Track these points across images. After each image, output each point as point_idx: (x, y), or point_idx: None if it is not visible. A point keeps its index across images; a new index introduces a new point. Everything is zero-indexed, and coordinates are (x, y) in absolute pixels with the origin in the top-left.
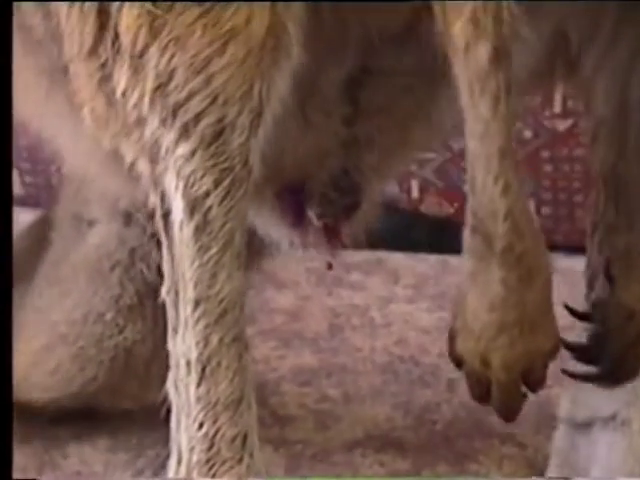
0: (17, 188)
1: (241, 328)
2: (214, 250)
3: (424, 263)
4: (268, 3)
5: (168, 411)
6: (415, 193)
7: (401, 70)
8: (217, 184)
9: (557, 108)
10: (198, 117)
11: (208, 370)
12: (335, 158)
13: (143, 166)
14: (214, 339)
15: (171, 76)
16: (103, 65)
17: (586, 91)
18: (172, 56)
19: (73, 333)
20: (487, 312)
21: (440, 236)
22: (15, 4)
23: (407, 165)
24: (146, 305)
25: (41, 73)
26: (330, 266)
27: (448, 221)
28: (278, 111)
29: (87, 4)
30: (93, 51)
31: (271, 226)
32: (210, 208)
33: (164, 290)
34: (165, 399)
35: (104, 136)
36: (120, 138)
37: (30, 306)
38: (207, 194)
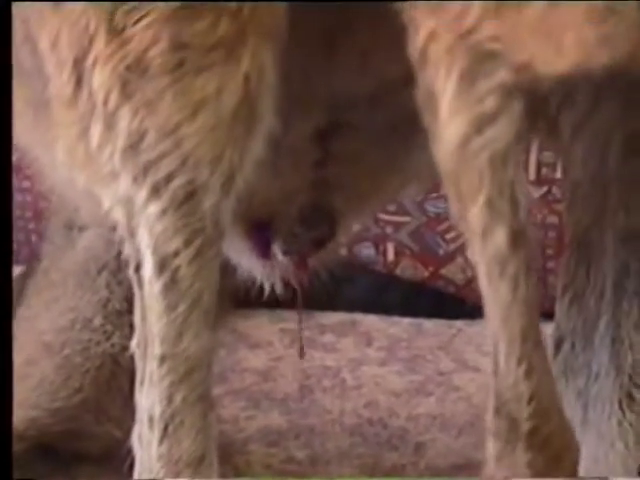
0: None
1: (207, 387)
2: (182, 308)
3: (397, 326)
4: (242, 72)
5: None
6: (391, 256)
7: (372, 125)
8: (187, 244)
9: (532, 175)
10: (169, 177)
11: (171, 428)
12: (305, 196)
13: (119, 216)
14: (178, 397)
15: (142, 137)
16: (82, 117)
17: (564, 154)
18: (143, 118)
19: (59, 341)
20: None
21: (415, 299)
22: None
23: (381, 208)
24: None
25: (28, 104)
26: (302, 354)
27: (423, 285)
28: (252, 171)
29: (64, 54)
30: (72, 101)
31: (242, 258)
32: (179, 267)
33: (134, 343)
34: (130, 451)
35: (79, 178)
36: (96, 185)
37: (17, 319)
38: (177, 253)
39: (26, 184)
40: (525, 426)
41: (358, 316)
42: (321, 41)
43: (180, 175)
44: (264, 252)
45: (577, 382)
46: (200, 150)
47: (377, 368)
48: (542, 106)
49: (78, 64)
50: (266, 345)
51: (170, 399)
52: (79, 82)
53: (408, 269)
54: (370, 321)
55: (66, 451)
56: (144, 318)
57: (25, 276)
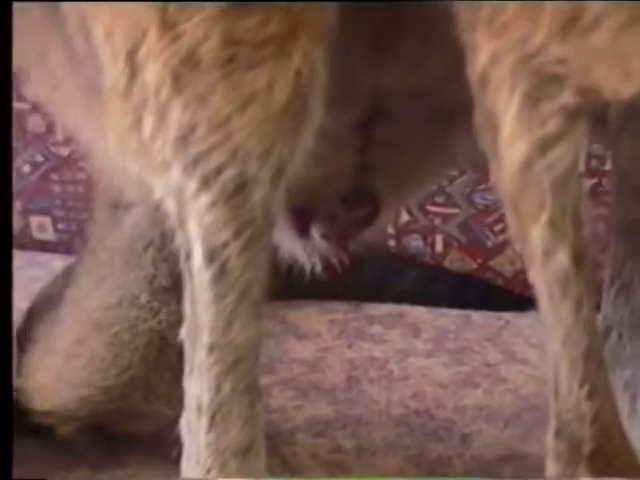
0: (50, 235)
1: (255, 377)
2: (230, 299)
3: (445, 317)
4: (293, 68)
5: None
6: (439, 247)
7: (414, 113)
8: (237, 235)
9: (581, 167)
10: (219, 169)
11: (218, 417)
12: (346, 180)
13: (170, 206)
14: (226, 387)
15: (193, 129)
16: (135, 107)
17: (612, 145)
18: (194, 111)
19: (108, 319)
20: None
21: (463, 291)
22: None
23: (422, 190)
24: (180, 288)
25: (80, 88)
26: None
27: (471, 277)
28: (301, 164)
29: (118, 45)
30: (126, 93)
31: (282, 238)
32: (229, 258)
33: (184, 331)
34: (178, 438)
35: (131, 167)
36: (148, 174)
37: (67, 300)
38: (226, 244)
39: (80, 176)
40: (587, 447)
41: (406, 308)
42: (369, 44)
43: (230, 167)
44: (302, 233)
45: (625, 373)
46: (249, 143)
47: (424, 359)
48: None
49: (131, 56)
50: (314, 336)
51: (218, 388)
52: (133, 74)
53: (456, 261)
54: (418, 313)
55: (116, 434)
56: (194, 307)
57: (75, 262)
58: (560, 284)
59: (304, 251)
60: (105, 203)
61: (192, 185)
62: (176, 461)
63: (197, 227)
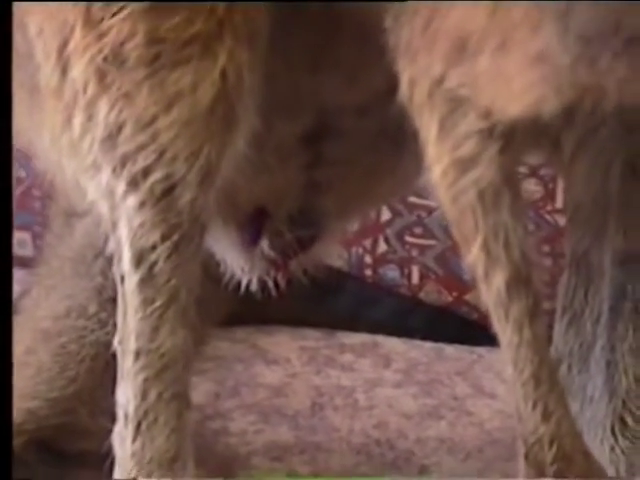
0: (29, 251)
1: (183, 386)
2: (157, 304)
3: (418, 349)
4: (218, 68)
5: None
6: (415, 279)
7: (362, 130)
8: (165, 238)
9: (559, 203)
10: (146, 171)
11: (144, 425)
12: (294, 197)
13: (102, 209)
14: (152, 394)
15: (120, 128)
16: (66, 106)
17: (566, 174)
18: (121, 110)
19: (56, 329)
20: None
21: (438, 324)
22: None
23: (371, 211)
24: None
25: (22, 87)
26: None
27: (446, 310)
28: (233, 167)
29: (48, 43)
30: (58, 90)
31: (227, 251)
32: (156, 262)
33: (116, 340)
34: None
35: (67, 169)
36: (81, 175)
37: (21, 309)
38: (154, 247)
39: None
40: (550, 470)
41: (380, 338)
42: (307, 55)
43: (157, 169)
44: (254, 239)
45: (573, 406)
46: (176, 144)
47: (392, 390)
48: (544, 127)
49: (61, 54)
50: (283, 362)
51: (144, 395)
52: (63, 72)
53: (432, 293)
54: (391, 343)
55: (64, 451)
56: (124, 313)
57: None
58: (501, 306)
59: (248, 264)
60: (59, 211)
61: (121, 186)
62: (108, 474)
63: (126, 229)
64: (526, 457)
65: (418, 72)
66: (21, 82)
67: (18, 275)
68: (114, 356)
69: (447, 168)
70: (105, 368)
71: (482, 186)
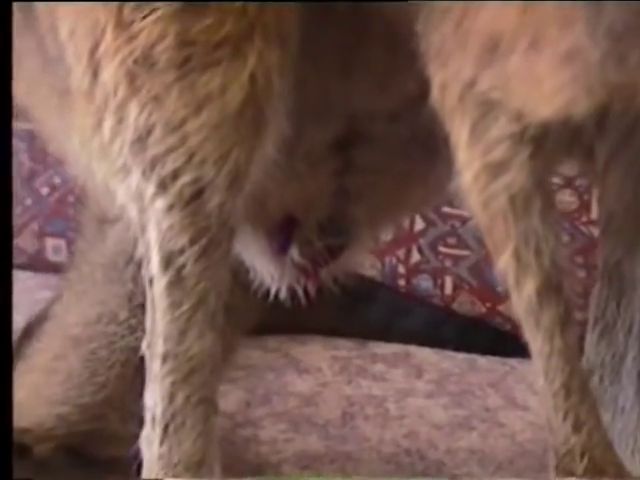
0: (64, 257)
1: (210, 390)
2: (186, 307)
3: (450, 360)
4: (247, 71)
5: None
6: (448, 290)
7: (393, 137)
8: (193, 242)
9: (594, 214)
10: (175, 174)
11: (171, 428)
12: (324, 205)
13: (132, 213)
14: (180, 397)
15: (150, 131)
16: (97, 109)
17: (599, 184)
18: (151, 113)
19: (86, 334)
20: None
21: (470, 335)
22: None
23: (404, 218)
24: None
25: (53, 90)
26: None
27: (479, 321)
28: (262, 172)
29: (80, 45)
30: (89, 93)
31: (256, 258)
32: (184, 265)
33: (145, 343)
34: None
35: (97, 170)
36: (111, 179)
37: (51, 315)
38: (182, 250)
39: None
40: None
41: (412, 348)
42: (337, 59)
43: (186, 172)
44: (283, 247)
45: (604, 417)
46: (205, 147)
47: (423, 400)
48: (577, 134)
49: (92, 56)
50: (315, 371)
51: (172, 398)
52: (95, 74)
53: (465, 304)
54: (423, 354)
55: (93, 457)
56: (152, 316)
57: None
58: (531, 315)
59: (277, 272)
60: (92, 217)
61: (150, 189)
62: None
63: (155, 232)
64: (557, 468)
65: (449, 76)
66: (52, 85)
67: (55, 281)
68: (143, 360)
69: (478, 173)
70: (135, 374)
71: (513, 191)
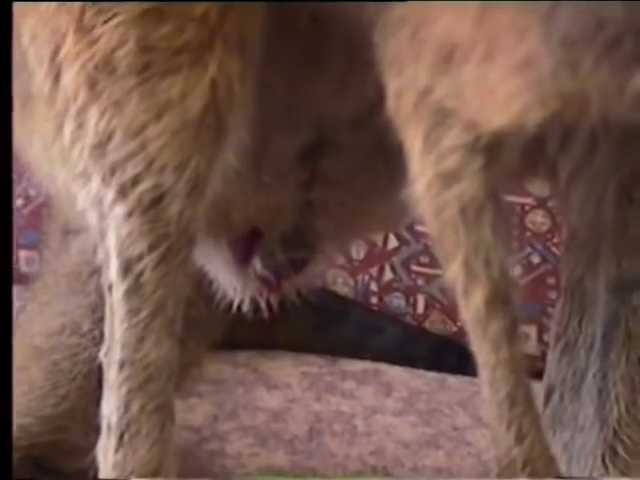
0: (37, 269)
1: (167, 398)
2: (144, 314)
3: (420, 379)
4: (208, 77)
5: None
6: (421, 308)
7: (358, 146)
8: (152, 249)
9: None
10: (135, 180)
11: (126, 436)
12: (288, 217)
13: (91, 219)
14: (135, 405)
15: (110, 136)
16: (57, 114)
17: (562, 200)
18: (111, 118)
19: (49, 345)
20: None
21: (441, 354)
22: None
23: (369, 236)
24: None
25: (16, 96)
26: None
27: (450, 340)
28: (224, 180)
29: (41, 50)
30: (50, 98)
31: (219, 269)
32: (143, 271)
33: (102, 351)
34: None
35: (57, 176)
36: (71, 185)
37: (17, 325)
38: (141, 257)
39: None
40: None
41: (382, 366)
42: (300, 66)
43: (146, 178)
44: (245, 258)
45: (564, 435)
46: (165, 154)
47: (391, 418)
48: (540, 150)
49: (53, 60)
50: (284, 387)
51: (127, 406)
52: (55, 79)
53: (437, 322)
54: (394, 372)
55: (59, 470)
56: (110, 324)
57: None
58: (479, 325)
59: (240, 284)
60: (56, 228)
61: (110, 195)
62: None
63: (114, 238)
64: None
65: (404, 84)
66: (15, 91)
67: (26, 294)
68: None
69: (431, 181)
70: (98, 386)
71: (465, 200)
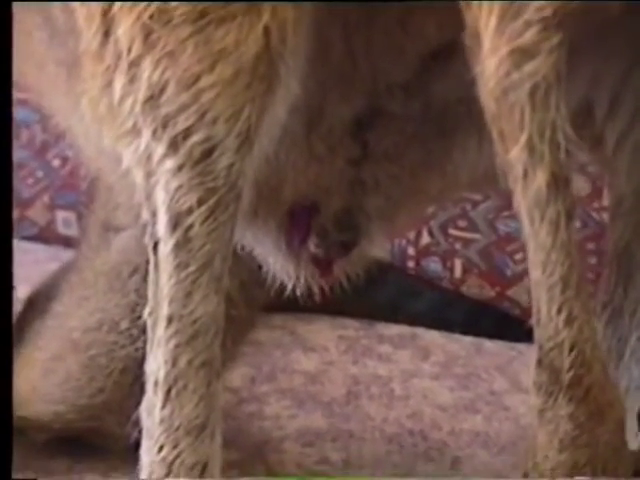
0: (75, 231)
1: (213, 354)
2: (192, 269)
3: (457, 343)
4: (261, 24)
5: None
6: (458, 272)
7: (409, 116)
8: (201, 203)
9: (606, 201)
10: (187, 132)
11: (174, 392)
12: (339, 197)
13: (138, 177)
14: (182, 360)
15: (163, 88)
16: (107, 69)
17: (609, 168)
18: (164, 69)
19: (86, 340)
20: (557, 452)
21: (478, 319)
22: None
23: (419, 215)
24: None
25: (61, 65)
26: None
27: (487, 305)
28: (273, 138)
29: (93, 6)
30: (99, 54)
31: (270, 254)
32: (192, 226)
33: (147, 311)
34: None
35: (105, 136)
36: (118, 142)
37: (50, 312)
38: (190, 211)
39: None
40: (566, 377)
41: (419, 330)
42: (359, 26)
43: (198, 131)
44: (302, 236)
45: None
46: (218, 105)
47: (429, 381)
48: (587, 117)
49: (105, 15)
50: (321, 349)
51: (175, 361)
52: (106, 34)
53: (474, 287)
54: (430, 336)
55: (87, 445)
56: (156, 281)
57: (63, 272)
58: (538, 206)
59: (293, 265)
60: (97, 222)
61: (160, 149)
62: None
63: (163, 193)
64: (540, 363)
65: None
66: (60, 60)
67: (65, 255)
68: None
69: (503, 58)
70: (133, 382)
71: (536, 79)
